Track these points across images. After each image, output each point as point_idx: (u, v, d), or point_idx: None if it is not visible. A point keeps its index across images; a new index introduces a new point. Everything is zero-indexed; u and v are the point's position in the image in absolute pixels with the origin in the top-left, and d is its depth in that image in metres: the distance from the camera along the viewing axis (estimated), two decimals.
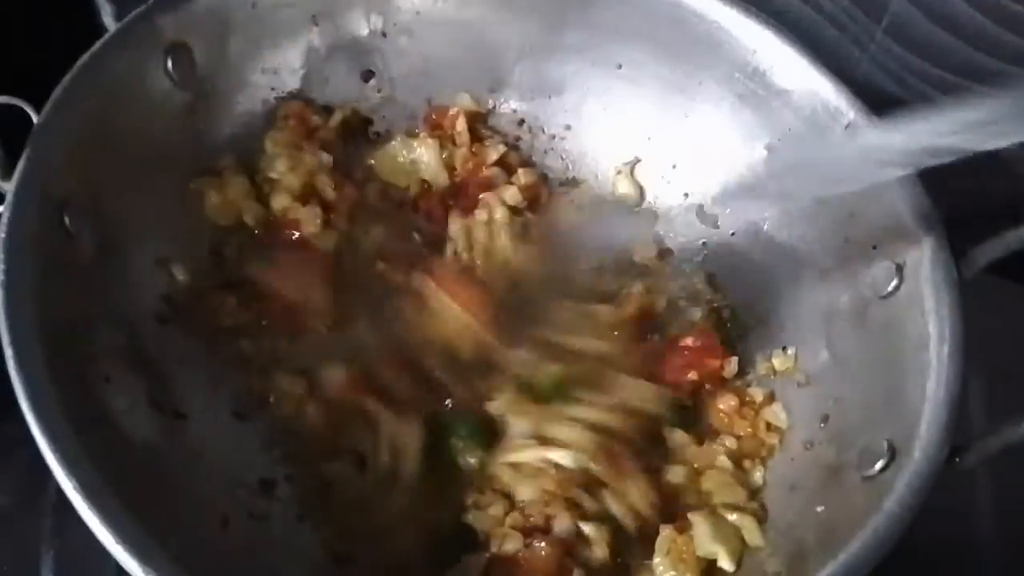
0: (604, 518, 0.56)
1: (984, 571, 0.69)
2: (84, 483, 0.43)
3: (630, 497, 0.57)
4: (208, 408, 0.59)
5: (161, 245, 0.62)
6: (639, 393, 0.62)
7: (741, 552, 0.55)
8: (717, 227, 0.73)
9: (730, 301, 0.71)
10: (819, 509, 0.54)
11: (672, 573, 0.55)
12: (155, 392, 0.56)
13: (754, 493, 0.60)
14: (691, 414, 0.65)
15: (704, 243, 0.73)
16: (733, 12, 0.68)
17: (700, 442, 0.63)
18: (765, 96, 0.68)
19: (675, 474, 0.60)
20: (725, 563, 0.55)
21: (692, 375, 0.65)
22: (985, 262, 0.57)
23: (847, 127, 0.64)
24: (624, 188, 0.76)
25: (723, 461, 0.61)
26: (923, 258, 0.57)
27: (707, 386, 0.65)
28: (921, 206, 0.59)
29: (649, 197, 0.76)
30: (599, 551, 0.55)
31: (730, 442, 0.63)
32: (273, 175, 0.67)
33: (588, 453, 0.57)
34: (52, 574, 0.59)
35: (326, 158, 0.68)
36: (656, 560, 0.55)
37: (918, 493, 0.47)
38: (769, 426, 0.63)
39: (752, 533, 0.56)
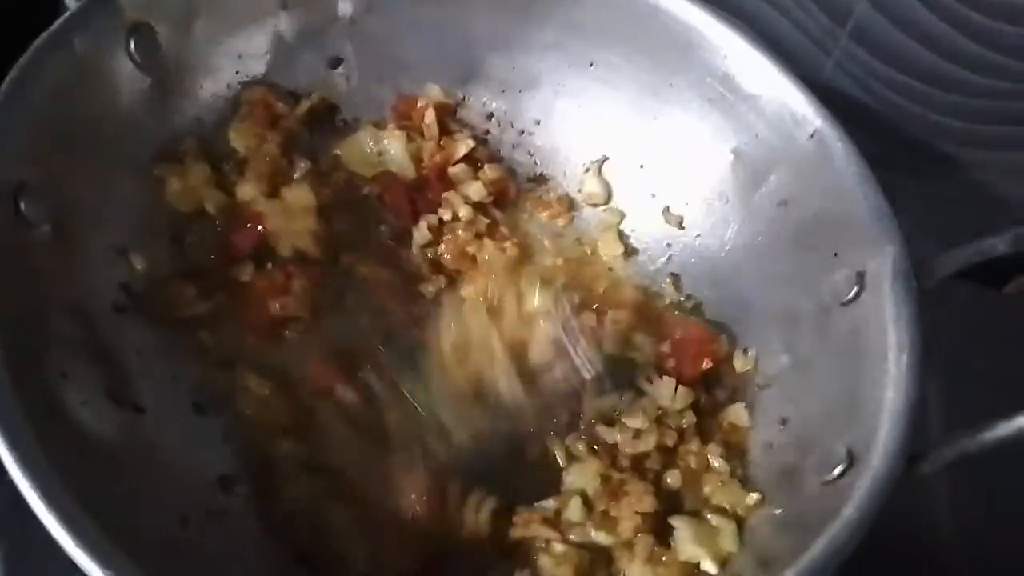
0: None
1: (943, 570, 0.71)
2: (41, 483, 0.42)
3: (620, 526, 0.57)
4: (167, 401, 0.57)
5: (119, 232, 0.60)
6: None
7: (725, 555, 0.56)
8: (683, 228, 0.74)
9: (694, 301, 0.72)
10: (778, 511, 0.55)
11: None
12: (113, 385, 0.54)
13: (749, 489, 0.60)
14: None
15: (669, 244, 0.74)
16: (706, 16, 0.68)
17: (705, 442, 0.63)
18: (734, 101, 0.69)
19: (674, 478, 0.61)
20: (709, 566, 0.55)
21: (707, 363, 0.65)
22: (945, 273, 0.58)
23: (812, 135, 0.65)
24: (591, 186, 0.76)
25: (719, 462, 0.61)
26: (884, 267, 0.58)
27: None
28: (883, 215, 0.60)
29: (616, 196, 0.76)
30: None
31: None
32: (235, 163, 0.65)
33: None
34: (3, 569, 0.57)
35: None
36: (634, 569, 0.56)
37: (876, 500, 0.49)
38: (732, 426, 0.64)
39: (728, 538, 0.56)
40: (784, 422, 0.61)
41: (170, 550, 0.49)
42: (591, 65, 0.74)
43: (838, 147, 0.64)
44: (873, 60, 0.75)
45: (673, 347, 0.67)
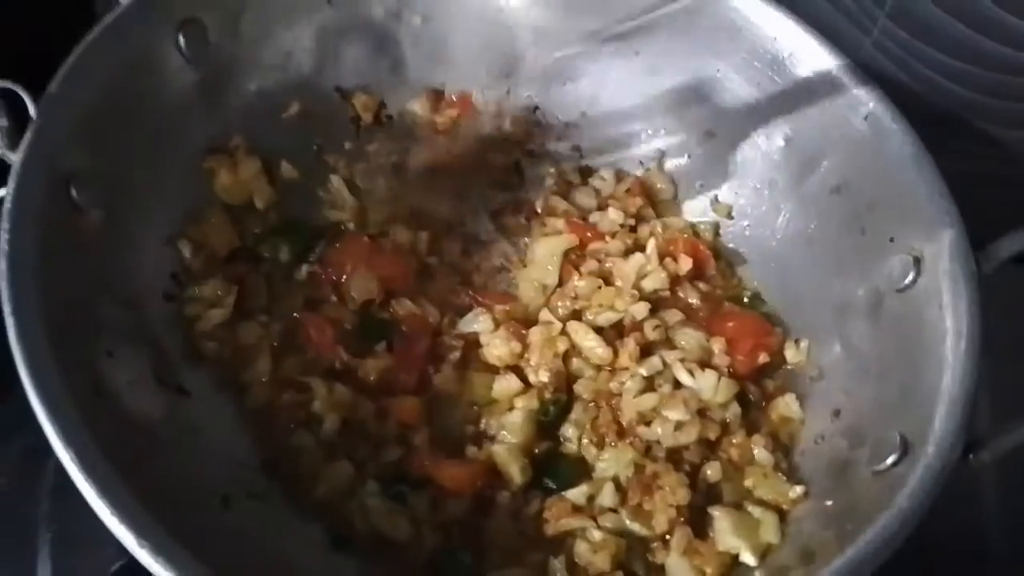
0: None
1: (990, 566, 0.68)
2: (82, 454, 0.43)
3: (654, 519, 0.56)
4: (211, 386, 0.59)
5: (169, 222, 0.62)
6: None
7: (764, 546, 0.54)
8: (731, 217, 0.72)
9: (751, 292, 0.70)
10: (828, 503, 0.53)
11: (690, 571, 0.54)
12: (159, 367, 0.56)
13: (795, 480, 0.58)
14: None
15: (718, 235, 0.72)
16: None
17: (750, 434, 0.61)
18: (784, 85, 0.67)
19: (714, 470, 0.59)
20: (748, 557, 0.54)
21: (763, 357, 0.63)
22: (1005, 255, 0.55)
23: (866, 117, 0.62)
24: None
25: (762, 454, 0.59)
26: (941, 251, 0.56)
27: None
28: (941, 199, 0.58)
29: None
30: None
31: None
32: None
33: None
34: (50, 558, 0.59)
35: None
36: (671, 560, 0.55)
37: (930, 489, 0.46)
38: (782, 418, 0.61)
39: (770, 530, 0.55)
40: (837, 413, 0.59)
41: (212, 529, 0.50)
42: (636, 54, 0.73)
43: (893, 128, 0.61)
44: (912, 39, 0.72)
45: (727, 340, 0.65)
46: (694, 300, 0.67)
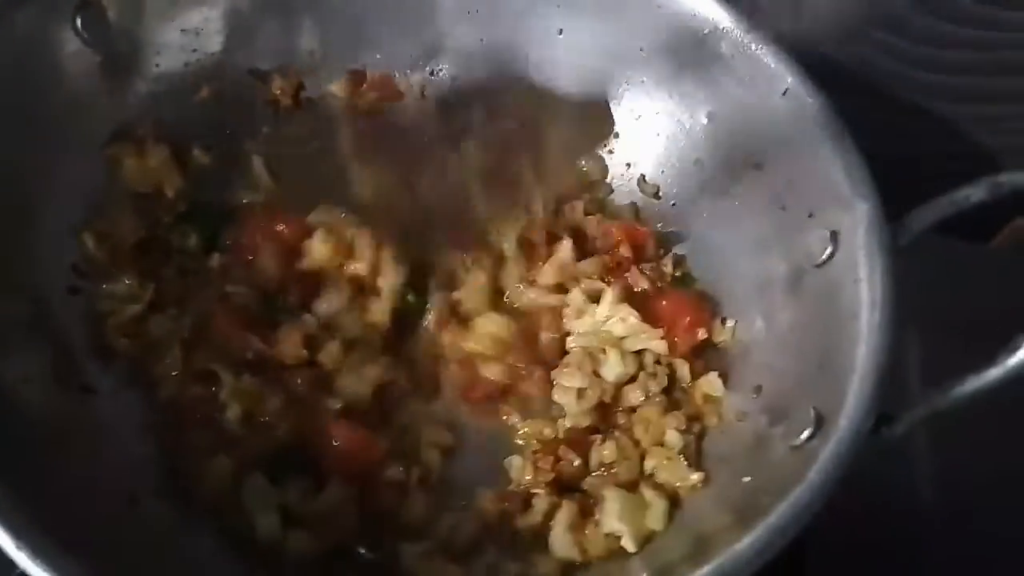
0: None
1: (925, 538, 0.69)
2: None
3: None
4: (120, 382, 0.57)
5: (72, 212, 0.59)
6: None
7: (647, 533, 0.54)
8: (659, 197, 0.72)
9: (682, 271, 0.69)
10: (746, 480, 0.53)
11: (572, 548, 0.54)
12: (59, 365, 0.53)
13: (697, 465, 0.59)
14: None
15: (643, 212, 0.72)
16: None
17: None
18: (705, 62, 0.67)
19: (609, 449, 0.59)
20: (627, 543, 0.54)
21: (702, 334, 0.63)
22: (920, 228, 0.56)
23: (784, 93, 0.62)
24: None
25: (672, 436, 0.59)
26: (857, 225, 0.56)
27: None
28: (857, 173, 0.58)
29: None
30: None
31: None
32: None
33: None
34: None
35: None
36: (554, 533, 0.55)
37: (841, 462, 0.46)
38: (706, 397, 0.61)
39: (656, 516, 0.55)
40: (758, 390, 0.59)
41: (117, 529, 0.48)
42: (560, 32, 0.72)
43: (811, 103, 0.61)
44: (842, 13, 0.73)
45: (664, 321, 0.64)
46: (644, 285, 0.66)
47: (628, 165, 0.73)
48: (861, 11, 0.74)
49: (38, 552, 0.39)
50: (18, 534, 0.39)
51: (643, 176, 0.72)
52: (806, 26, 0.75)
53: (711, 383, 0.61)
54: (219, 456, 0.54)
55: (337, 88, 0.73)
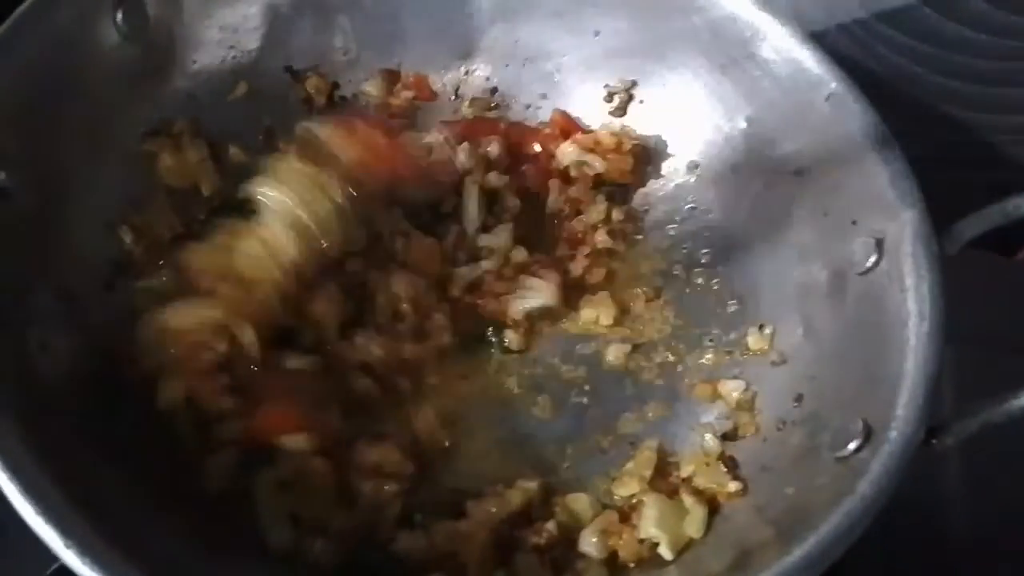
0: None
1: (952, 552, 0.68)
2: (9, 455, 0.40)
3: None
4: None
5: (108, 208, 0.59)
6: None
7: (685, 540, 0.54)
8: (694, 202, 0.71)
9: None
10: (789, 491, 0.52)
11: (601, 551, 0.53)
12: (98, 363, 0.53)
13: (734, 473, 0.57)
14: None
15: (680, 218, 0.71)
16: None
17: None
18: (745, 65, 0.66)
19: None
20: (664, 550, 0.53)
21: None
22: (968, 237, 0.55)
23: (828, 98, 0.61)
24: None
25: (710, 442, 0.59)
26: (904, 233, 0.55)
27: None
28: (903, 180, 0.57)
29: None
30: None
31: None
32: None
33: None
34: None
35: None
36: (586, 533, 0.54)
37: (893, 475, 0.45)
38: (739, 403, 0.61)
39: (694, 524, 0.54)
40: (799, 399, 0.58)
41: (150, 527, 0.48)
42: (596, 34, 0.72)
43: (855, 109, 0.61)
44: (878, 23, 0.72)
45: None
46: None
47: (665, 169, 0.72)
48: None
49: (85, 551, 0.38)
50: (68, 533, 0.38)
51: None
52: None
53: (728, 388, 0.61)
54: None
55: (371, 87, 0.72)
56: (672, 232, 0.71)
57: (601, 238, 0.68)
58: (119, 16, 0.58)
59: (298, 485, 0.52)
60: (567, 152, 0.70)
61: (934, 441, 0.48)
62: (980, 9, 0.68)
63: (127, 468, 0.48)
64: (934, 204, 0.56)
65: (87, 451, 0.47)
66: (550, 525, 0.54)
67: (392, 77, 0.73)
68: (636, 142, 0.69)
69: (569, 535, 0.54)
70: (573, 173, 0.70)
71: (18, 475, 0.39)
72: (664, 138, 0.72)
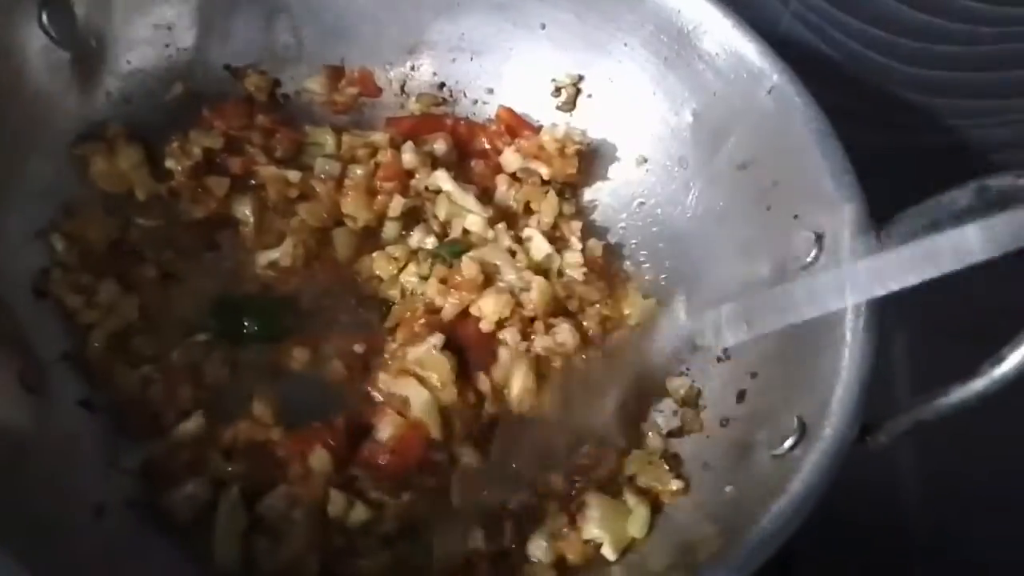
0: None
1: (911, 543, 0.68)
2: None
3: None
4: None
5: (39, 215, 0.58)
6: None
7: (627, 540, 0.54)
8: (642, 196, 0.70)
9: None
10: (728, 488, 0.52)
11: (548, 553, 0.53)
12: (28, 371, 0.52)
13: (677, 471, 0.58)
14: None
15: (628, 213, 0.71)
16: None
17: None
18: (690, 59, 0.66)
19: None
20: (607, 551, 0.53)
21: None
22: (906, 231, 0.54)
23: (770, 91, 0.61)
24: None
25: (654, 440, 0.59)
26: (842, 228, 0.55)
27: None
28: (842, 174, 0.57)
29: None
30: None
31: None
32: None
33: None
34: None
35: None
36: (534, 539, 0.54)
37: (825, 471, 0.46)
38: (684, 400, 0.61)
39: (637, 524, 0.54)
40: (742, 395, 0.58)
41: (81, 542, 0.47)
42: (542, 27, 0.71)
43: (796, 102, 0.60)
44: (832, 8, 0.71)
45: None
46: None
47: (613, 164, 0.72)
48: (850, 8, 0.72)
49: None
50: None
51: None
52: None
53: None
54: (194, 480, 0.52)
55: (314, 84, 0.71)
56: (621, 228, 0.70)
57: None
58: (44, 17, 0.57)
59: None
60: (511, 160, 0.69)
61: (867, 439, 0.47)
62: None
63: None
64: (891, 192, 0.56)
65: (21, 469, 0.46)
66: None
67: (336, 73, 0.72)
68: (579, 145, 0.69)
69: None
70: (520, 176, 0.69)
71: None
72: (612, 132, 0.71)
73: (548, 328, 0.61)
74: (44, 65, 0.58)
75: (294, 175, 0.65)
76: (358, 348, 0.61)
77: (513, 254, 0.65)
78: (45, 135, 0.59)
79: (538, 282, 0.63)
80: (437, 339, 0.58)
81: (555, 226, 0.68)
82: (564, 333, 0.61)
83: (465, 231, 0.67)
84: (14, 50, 0.56)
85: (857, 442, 0.47)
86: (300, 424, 0.56)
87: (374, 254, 0.66)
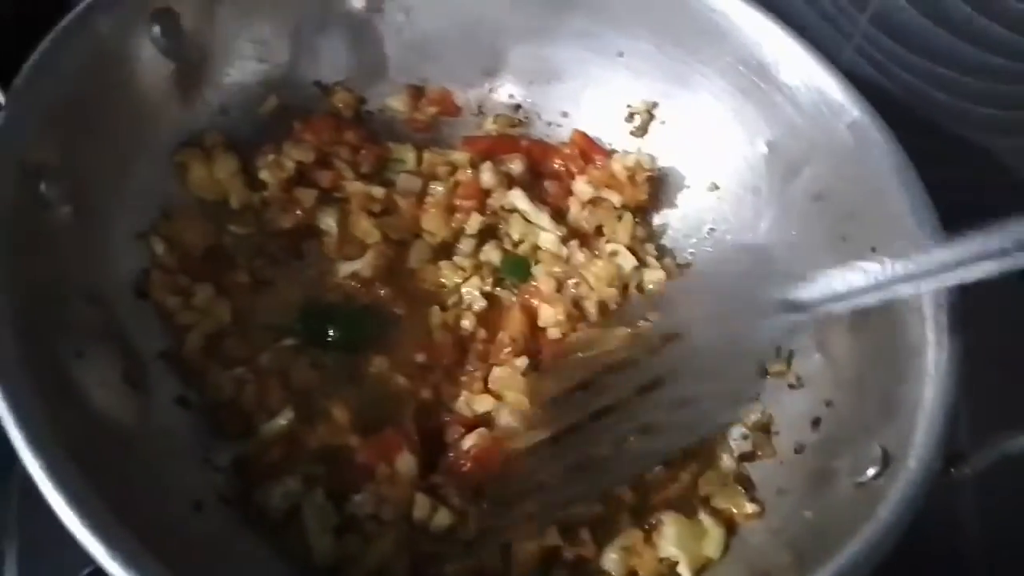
0: None
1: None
2: (51, 463, 0.41)
3: None
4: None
5: (141, 218, 0.60)
6: None
7: (703, 560, 0.54)
8: (712, 223, 0.72)
9: None
10: (807, 514, 0.53)
11: (620, 566, 0.54)
12: (131, 368, 0.54)
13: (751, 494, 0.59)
14: None
15: (698, 239, 0.72)
16: (738, 3, 0.66)
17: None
18: (768, 90, 0.67)
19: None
20: (684, 569, 0.54)
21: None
22: None
23: (849, 125, 0.62)
24: None
25: (727, 462, 0.60)
26: None
27: None
28: (923, 209, 0.58)
29: None
30: None
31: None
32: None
33: None
34: (16, 563, 0.57)
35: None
36: (608, 552, 0.55)
37: (912, 502, 0.46)
38: (756, 425, 0.62)
39: (712, 544, 0.55)
40: (817, 423, 0.59)
41: (184, 535, 0.49)
42: (620, 55, 0.73)
43: (876, 137, 0.62)
44: (894, 44, 0.72)
45: None
46: None
47: (684, 190, 0.73)
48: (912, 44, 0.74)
49: (130, 562, 0.39)
50: (113, 544, 0.39)
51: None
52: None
53: None
54: (286, 478, 0.54)
55: (396, 102, 0.74)
56: (690, 253, 0.72)
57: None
58: (156, 30, 0.59)
59: None
60: (583, 189, 0.71)
61: (952, 470, 0.48)
62: (999, 34, 0.68)
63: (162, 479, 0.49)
64: (955, 228, 0.57)
65: (127, 462, 0.48)
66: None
67: (417, 93, 0.74)
68: (649, 173, 0.71)
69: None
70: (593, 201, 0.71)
71: (63, 486, 0.40)
72: (684, 159, 0.73)
73: None
74: (151, 75, 0.60)
75: (378, 190, 0.67)
76: (420, 358, 0.63)
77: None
78: (149, 141, 0.61)
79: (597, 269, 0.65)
80: (522, 361, 0.60)
81: (630, 247, 0.70)
82: None
83: (536, 247, 0.69)
84: (127, 60, 0.58)
85: (943, 473, 0.48)
86: (374, 429, 0.58)
87: (441, 263, 0.67)
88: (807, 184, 0.66)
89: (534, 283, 0.66)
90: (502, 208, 0.70)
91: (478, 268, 0.67)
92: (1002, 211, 0.58)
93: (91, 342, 0.51)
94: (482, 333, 0.64)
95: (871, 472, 0.50)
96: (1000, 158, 0.81)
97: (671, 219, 0.73)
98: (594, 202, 0.72)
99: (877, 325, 0.58)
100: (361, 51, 0.72)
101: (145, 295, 0.58)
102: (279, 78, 0.68)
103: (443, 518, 0.54)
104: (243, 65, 0.66)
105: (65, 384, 0.48)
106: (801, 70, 0.65)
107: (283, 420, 0.56)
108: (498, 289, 0.66)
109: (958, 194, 0.75)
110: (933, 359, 0.52)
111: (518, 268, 0.67)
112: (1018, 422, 0.47)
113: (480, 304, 0.65)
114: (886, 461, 0.50)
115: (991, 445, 0.48)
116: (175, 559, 0.42)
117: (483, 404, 0.59)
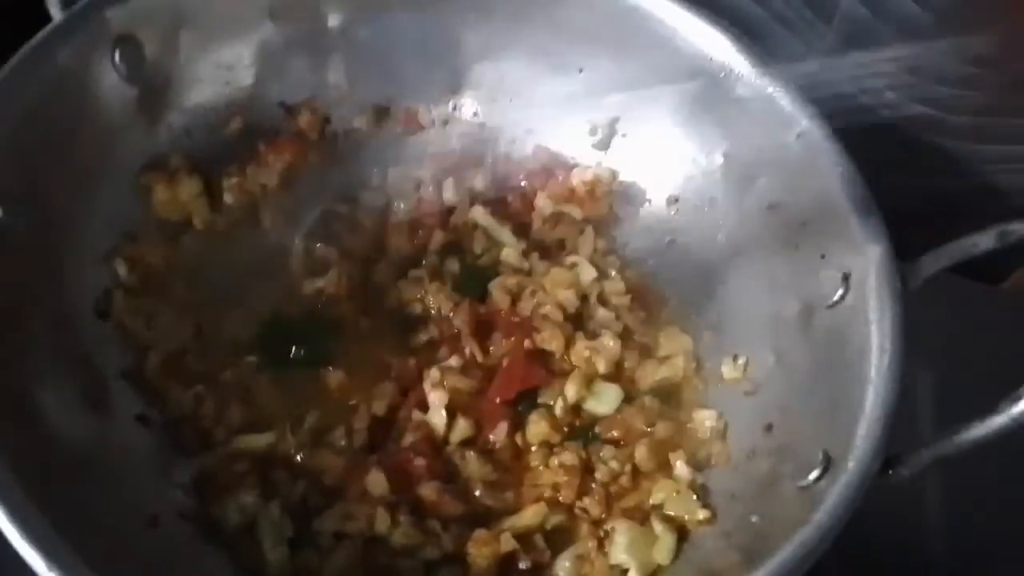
0: None
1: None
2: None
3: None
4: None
5: (104, 240, 0.61)
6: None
7: (652, 568, 0.55)
8: (672, 234, 0.73)
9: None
10: (754, 519, 0.54)
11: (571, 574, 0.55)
12: (91, 387, 0.55)
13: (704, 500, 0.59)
14: None
15: (659, 251, 0.73)
16: (689, 16, 0.67)
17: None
18: (721, 103, 0.68)
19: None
20: None
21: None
22: (930, 272, 0.56)
23: (798, 136, 0.63)
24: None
25: (682, 470, 0.60)
26: (869, 267, 0.57)
27: None
28: (868, 215, 0.59)
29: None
30: None
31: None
32: None
33: None
34: None
35: None
36: (559, 561, 0.55)
37: (848, 503, 0.47)
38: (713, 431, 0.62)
39: (663, 550, 0.55)
40: (769, 428, 0.60)
41: (135, 550, 0.50)
42: (580, 70, 0.74)
43: (824, 147, 0.62)
44: (862, 54, 0.74)
45: None
46: None
47: (649, 201, 0.74)
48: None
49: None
50: (51, 556, 0.40)
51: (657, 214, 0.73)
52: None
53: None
54: (241, 492, 0.55)
55: (361, 123, 0.75)
56: (651, 264, 0.73)
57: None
58: (117, 57, 0.61)
59: None
60: (543, 204, 0.72)
61: (891, 472, 0.49)
62: (967, 43, 0.69)
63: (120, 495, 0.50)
64: (920, 235, 0.58)
65: (78, 477, 0.49)
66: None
67: (383, 113, 0.76)
68: (608, 186, 0.72)
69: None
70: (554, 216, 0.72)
71: (6, 502, 0.41)
72: (644, 172, 0.74)
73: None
74: (114, 100, 0.62)
75: (341, 208, 0.69)
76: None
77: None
78: (113, 165, 0.62)
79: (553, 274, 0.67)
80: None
81: (592, 260, 0.71)
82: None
83: (499, 261, 0.70)
84: (89, 86, 0.60)
85: (880, 475, 0.48)
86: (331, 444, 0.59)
87: (399, 282, 0.68)
88: (761, 194, 0.67)
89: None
90: (464, 224, 0.72)
91: (440, 284, 0.68)
92: (970, 214, 0.60)
93: (51, 363, 0.53)
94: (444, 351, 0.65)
95: (813, 476, 0.51)
96: (969, 165, 0.81)
97: (632, 232, 0.74)
98: (556, 216, 0.73)
99: (826, 331, 0.59)
100: (325, 72, 0.73)
101: (106, 315, 0.59)
102: (243, 100, 0.69)
103: (407, 536, 0.55)
104: (207, 88, 0.67)
105: (23, 405, 0.49)
106: (750, 82, 0.66)
107: (243, 440, 0.57)
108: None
109: (927, 200, 0.77)
110: (875, 363, 0.53)
111: (473, 284, 0.68)
112: (954, 422, 0.48)
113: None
114: (827, 464, 0.50)
115: (928, 448, 0.48)
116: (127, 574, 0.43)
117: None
